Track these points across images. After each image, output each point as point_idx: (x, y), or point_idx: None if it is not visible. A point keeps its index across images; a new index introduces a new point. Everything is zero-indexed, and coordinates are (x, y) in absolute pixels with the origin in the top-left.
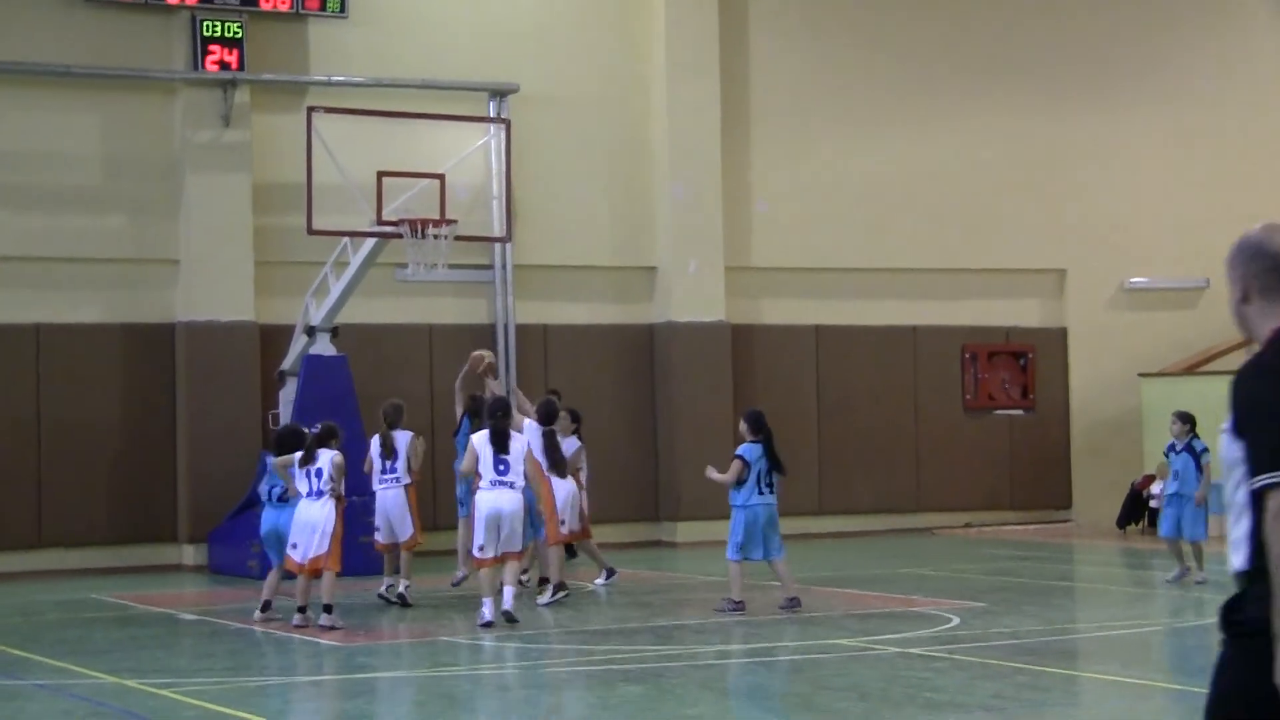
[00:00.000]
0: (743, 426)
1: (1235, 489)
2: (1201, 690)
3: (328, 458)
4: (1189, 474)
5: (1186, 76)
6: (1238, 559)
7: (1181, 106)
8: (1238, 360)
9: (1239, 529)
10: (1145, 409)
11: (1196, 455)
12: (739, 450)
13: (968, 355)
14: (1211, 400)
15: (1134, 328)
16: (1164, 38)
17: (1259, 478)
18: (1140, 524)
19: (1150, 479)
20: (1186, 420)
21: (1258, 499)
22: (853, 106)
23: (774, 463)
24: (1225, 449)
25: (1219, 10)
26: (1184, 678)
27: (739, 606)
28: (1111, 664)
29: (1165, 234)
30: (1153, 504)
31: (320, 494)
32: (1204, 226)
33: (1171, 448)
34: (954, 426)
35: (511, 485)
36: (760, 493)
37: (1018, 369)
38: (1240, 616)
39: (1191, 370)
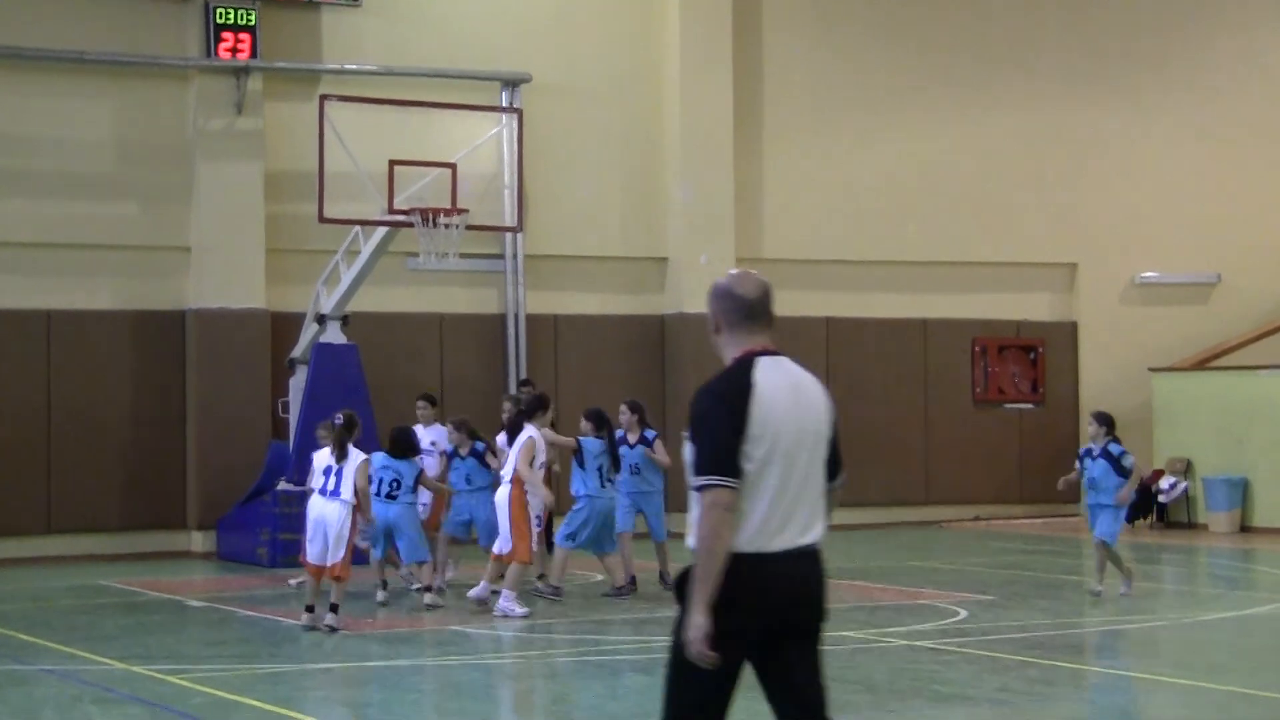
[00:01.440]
0: (585, 424)
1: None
2: (1209, 686)
3: (354, 465)
4: (1108, 482)
5: (1200, 71)
6: (690, 539)
7: (1194, 101)
8: (1249, 355)
9: (692, 515)
10: (1156, 404)
11: (1114, 459)
12: (581, 440)
13: (978, 348)
14: (1223, 395)
15: (1145, 322)
16: (1178, 33)
17: (697, 479)
18: (1149, 518)
19: (1160, 473)
20: (1104, 422)
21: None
22: (865, 99)
23: (613, 459)
24: (685, 451)
25: (1235, 5)
26: (1191, 672)
27: (557, 592)
28: (1119, 658)
29: (1177, 228)
30: (1161, 498)
31: (337, 495)
32: (1216, 221)
33: (1088, 452)
34: (964, 420)
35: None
36: (603, 486)
37: (1028, 363)
38: (685, 589)
39: (1202, 365)
